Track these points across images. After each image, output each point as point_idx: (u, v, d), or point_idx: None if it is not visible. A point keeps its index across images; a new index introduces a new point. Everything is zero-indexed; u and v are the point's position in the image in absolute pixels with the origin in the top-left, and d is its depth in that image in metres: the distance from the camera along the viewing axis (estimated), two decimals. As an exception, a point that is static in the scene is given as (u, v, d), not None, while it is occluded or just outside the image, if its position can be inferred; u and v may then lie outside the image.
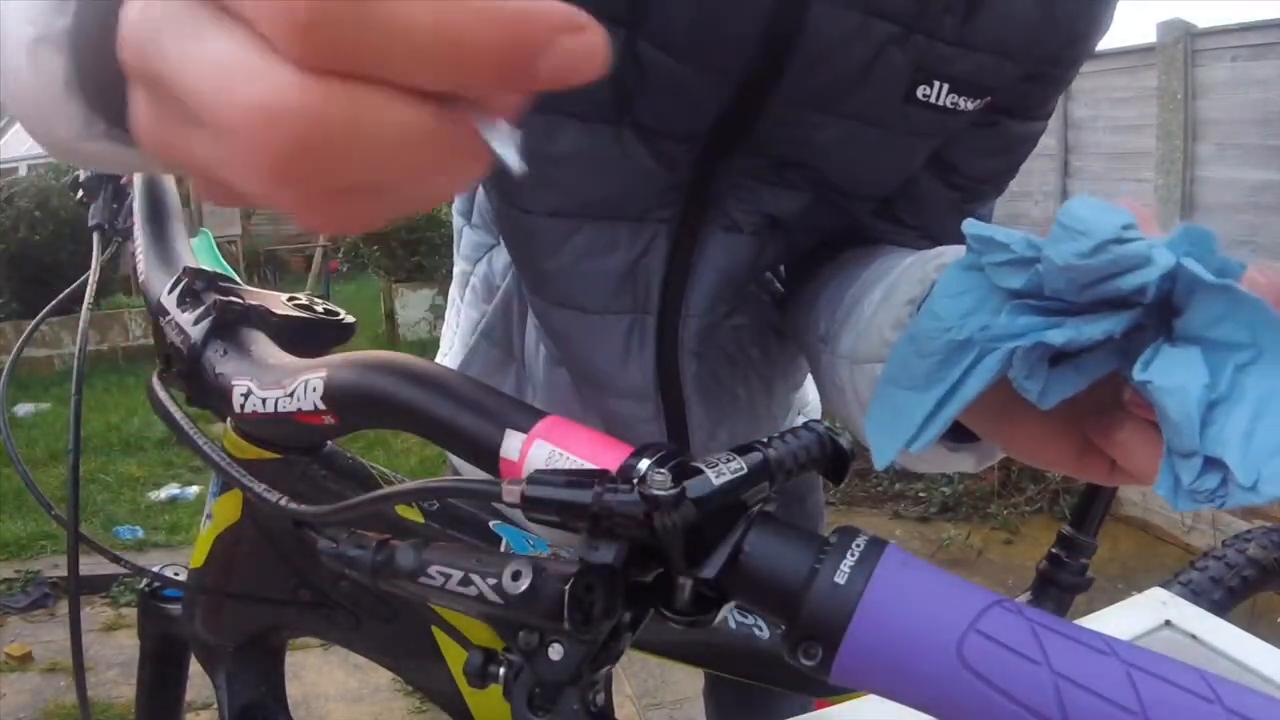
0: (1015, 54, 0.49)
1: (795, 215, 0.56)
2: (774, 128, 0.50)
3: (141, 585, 0.72)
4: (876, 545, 0.28)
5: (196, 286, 0.51)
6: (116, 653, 2.28)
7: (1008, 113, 0.55)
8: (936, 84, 0.48)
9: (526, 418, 0.36)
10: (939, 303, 0.35)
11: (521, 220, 0.56)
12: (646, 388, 0.60)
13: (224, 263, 0.59)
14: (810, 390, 0.84)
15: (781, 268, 0.66)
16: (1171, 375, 0.29)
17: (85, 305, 0.60)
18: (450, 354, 0.74)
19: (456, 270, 0.76)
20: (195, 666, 0.70)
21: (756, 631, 0.64)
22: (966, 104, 0.50)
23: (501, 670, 0.32)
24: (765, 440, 0.33)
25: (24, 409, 4.04)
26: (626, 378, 0.60)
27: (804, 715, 0.55)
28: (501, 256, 0.68)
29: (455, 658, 0.58)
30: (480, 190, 0.68)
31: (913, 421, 0.35)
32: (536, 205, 0.55)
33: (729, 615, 0.66)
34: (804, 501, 0.86)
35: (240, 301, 0.50)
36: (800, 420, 0.70)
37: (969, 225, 0.34)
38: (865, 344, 0.46)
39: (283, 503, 0.41)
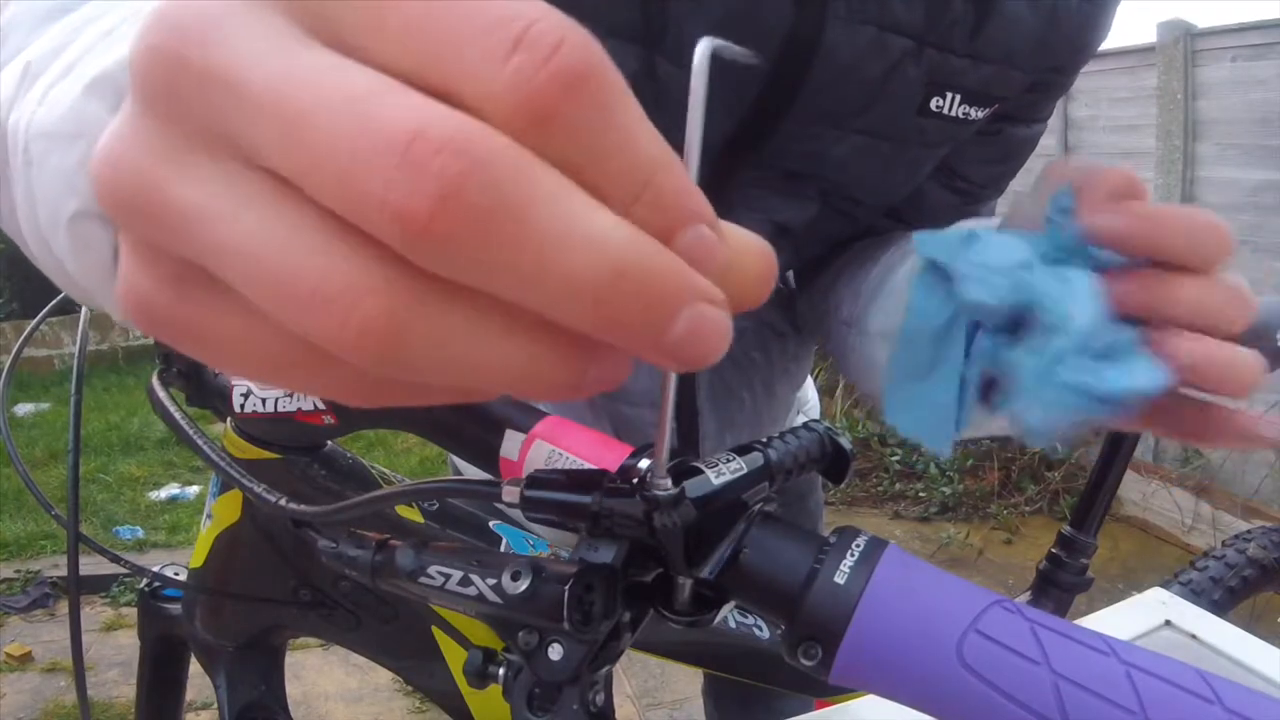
0: (1022, 63, 0.49)
1: (804, 224, 0.56)
2: (788, 142, 0.50)
3: (141, 585, 0.72)
4: (876, 545, 0.28)
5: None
6: (116, 653, 2.28)
7: (1011, 119, 0.55)
8: (949, 95, 0.49)
9: (526, 417, 0.36)
10: (915, 297, 0.37)
11: None
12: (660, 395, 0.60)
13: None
14: (810, 390, 0.84)
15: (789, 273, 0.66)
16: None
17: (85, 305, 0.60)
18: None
19: None
20: (195, 666, 0.70)
21: (756, 631, 0.64)
22: (976, 113, 0.50)
23: (501, 670, 0.32)
24: (765, 440, 0.33)
25: (24, 409, 4.04)
26: (641, 385, 0.60)
27: (804, 715, 0.55)
28: None
29: (455, 658, 0.58)
30: None
31: (948, 412, 0.37)
32: None
33: (729, 615, 0.66)
34: (804, 501, 0.86)
35: (240, 301, 0.50)
36: (800, 420, 0.70)
37: (920, 243, 0.36)
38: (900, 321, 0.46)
39: (283, 503, 0.41)
